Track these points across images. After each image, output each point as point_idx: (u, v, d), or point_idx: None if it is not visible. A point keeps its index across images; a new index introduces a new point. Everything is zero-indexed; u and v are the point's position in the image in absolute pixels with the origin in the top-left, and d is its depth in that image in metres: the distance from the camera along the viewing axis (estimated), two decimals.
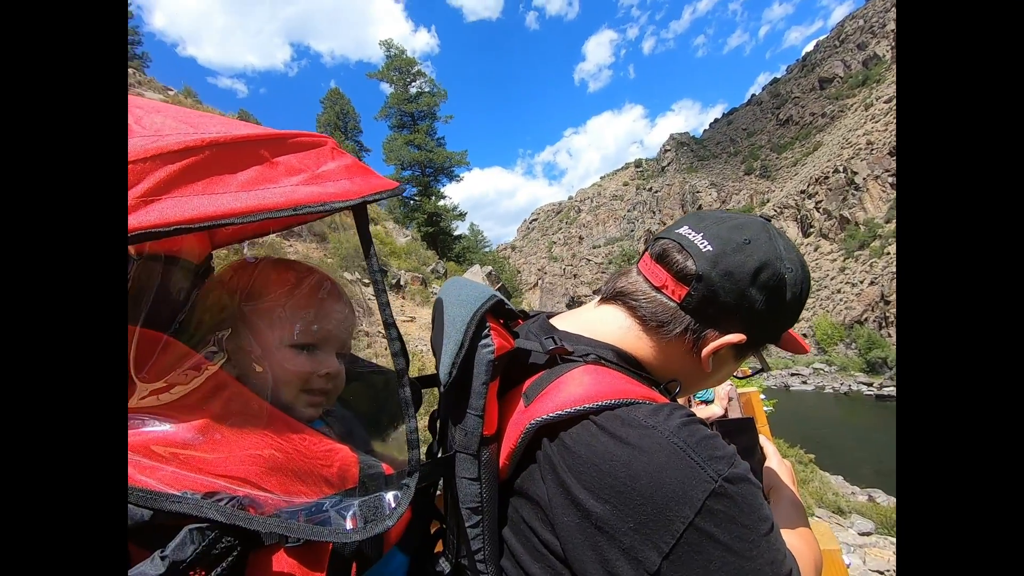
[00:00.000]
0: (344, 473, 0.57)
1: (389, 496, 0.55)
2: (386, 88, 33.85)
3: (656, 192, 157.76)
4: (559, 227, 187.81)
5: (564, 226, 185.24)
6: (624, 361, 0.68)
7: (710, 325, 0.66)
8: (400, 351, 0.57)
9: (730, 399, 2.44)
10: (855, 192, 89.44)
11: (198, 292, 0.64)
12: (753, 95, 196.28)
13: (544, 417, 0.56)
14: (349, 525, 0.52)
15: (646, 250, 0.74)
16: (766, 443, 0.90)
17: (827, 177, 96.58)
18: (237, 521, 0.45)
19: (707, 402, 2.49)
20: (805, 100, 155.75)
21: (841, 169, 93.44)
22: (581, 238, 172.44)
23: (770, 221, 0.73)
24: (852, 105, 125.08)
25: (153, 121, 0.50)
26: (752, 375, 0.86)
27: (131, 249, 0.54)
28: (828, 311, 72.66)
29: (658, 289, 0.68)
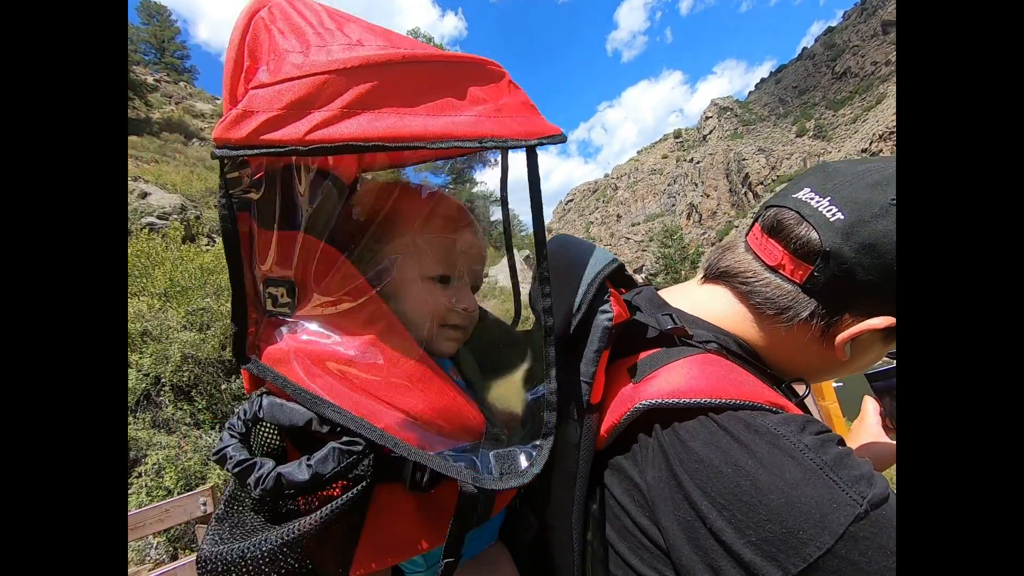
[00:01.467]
0: (474, 425, 0.56)
1: (522, 455, 0.53)
2: None
3: (698, 163, 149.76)
4: (596, 206, 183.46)
5: (601, 205, 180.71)
6: (746, 354, 0.60)
7: (845, 308, 0.56)
8: (549, 309, 0.52)
9: None
10: None
11: (343, 213, 0.61)
12: (804, 48, 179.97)
13: (658, 401, 0.52)
14: (495, 474, 0.51)
15: (756, 220, 0.63)
16: None
17: (893, 132, 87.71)
18: (386, 443, 0.47)
19: None
20: (866, 48, 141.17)
21: None
22: (619, 216, 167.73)
23: None
24: None
25: (352, 31, 0.49)
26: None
27: (312, 161, 0.54)
28: None
29: (773, 269, 0.58)
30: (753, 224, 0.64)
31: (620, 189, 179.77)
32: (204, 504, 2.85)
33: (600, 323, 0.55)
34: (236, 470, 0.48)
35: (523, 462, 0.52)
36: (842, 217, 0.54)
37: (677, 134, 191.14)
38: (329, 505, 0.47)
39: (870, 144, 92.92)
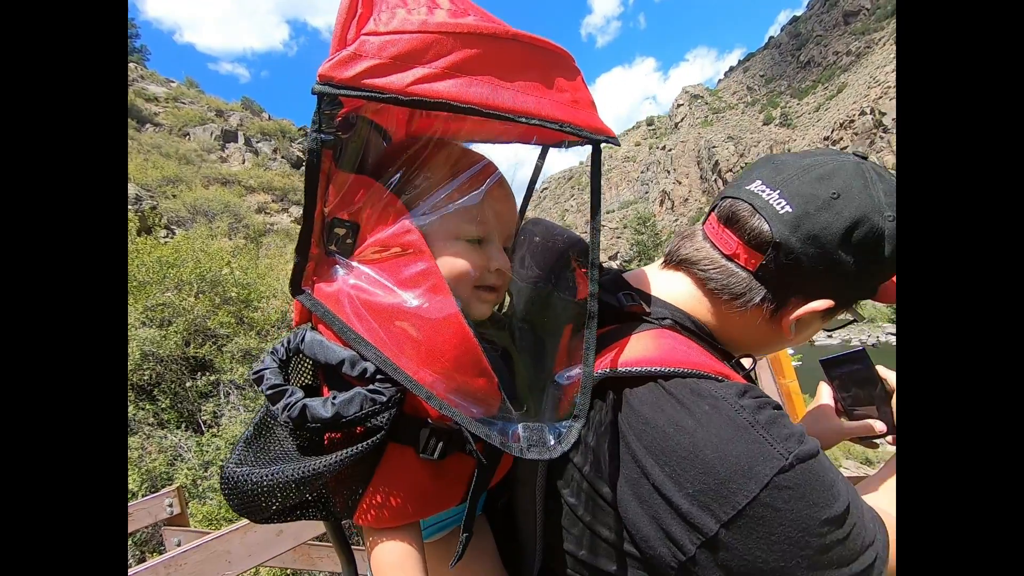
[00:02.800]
0: (496, 399, 0.56)
1: (549, 433, 0.53)
2: None
3: (670, 151, 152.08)
4: (571, 194, 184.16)
5: (577, 192, 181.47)
6: (699, 330, 0.65)
7: (791, 293, 0.61)
8: (595, 294, 0.53)
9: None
10: (883, 134, 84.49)
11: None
12: (771, 38, 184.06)
13: (612, 370, 0.56)
14: (524, 444, 0.51)
15: (712, 210, 0.67)
16: (889, 375, 0.82)
17: (852, 121, 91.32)
18: (419, 393, 0.49)
19: None
20: (828, 38, 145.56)
21: (868, 111, 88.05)
22: None
23: (867, 159, 0.64)
24: (880, 39, 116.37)
25: (458, 1, 0.51)
26: (838, 329, 0.77)
27: (402, 113, 0.57)
28: None
29: (728, 257, 0.62)
30: (709, 213, 0.68)
31: None
32: (170, 506, 2.75)
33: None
34: (269, 392, 0.51)
35: (550, 439, 0.52)
36: (790, 210, 0.58)
37: (650, 121, 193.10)
38: (346, 450, 0.49)
39: (831, 132, 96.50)
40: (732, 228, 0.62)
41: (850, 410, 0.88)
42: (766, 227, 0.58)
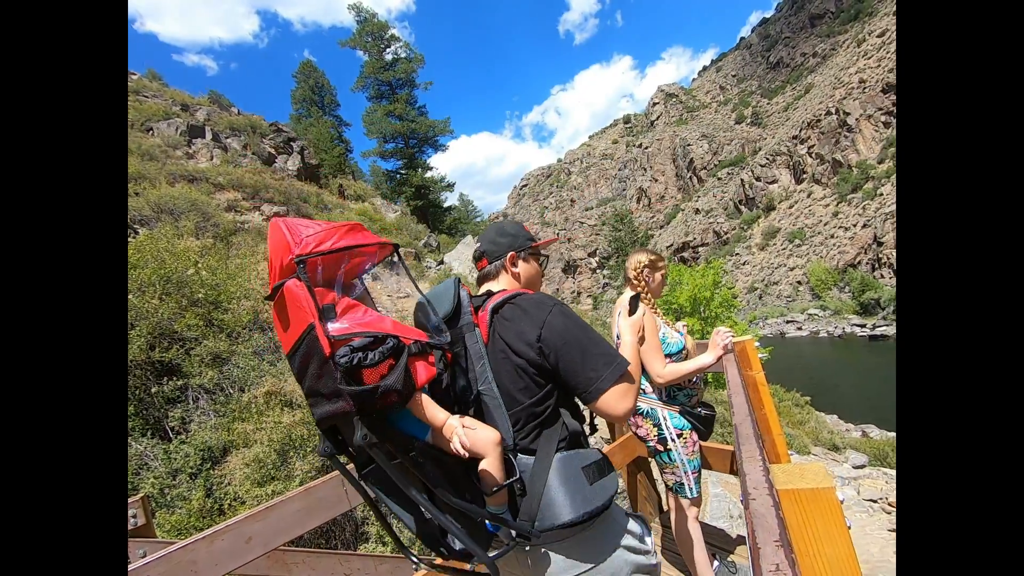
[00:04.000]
0: (425, 335, 1.15)
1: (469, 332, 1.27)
2: (361, 56, 32.34)
3: (646, 148, 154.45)
4: (550, 191, 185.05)
5: (555, 190, 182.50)
6: (519, 285, 1.47)
7: (506, 255, 1.47)
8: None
9: (726, 350, 2.40)
10: (847, 134, 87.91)
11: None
12: (742, 38, 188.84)
13: (496, 301, 1.29)
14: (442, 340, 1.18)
15: (483, 255, 1.51)
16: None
17: (819, 120, 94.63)
18: (407, 337, 1.08)
19: (675, 354, 2.35)
20: (796, 40, 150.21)
21: (833, 111, 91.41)
22: (573, 201, 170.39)
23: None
24: (844, 42, 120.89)
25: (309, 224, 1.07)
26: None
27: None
28: (822, 257, 73.09)
29: (504, 266, 1.50)
30: (482, 257, 1.50)
31: (573, 174, 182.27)
32: (134, 517, 2.63)
33: (464, 299, 1.28)
34: (358, 344, 0.95)
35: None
36: (479, 244, 1.53)
37: (626, 119, 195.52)
38: (399, 364, 0.99)
39: (799, 131, 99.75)
40: (488, 258, 1.49)
41: None
42: (484, 248, 1.51)
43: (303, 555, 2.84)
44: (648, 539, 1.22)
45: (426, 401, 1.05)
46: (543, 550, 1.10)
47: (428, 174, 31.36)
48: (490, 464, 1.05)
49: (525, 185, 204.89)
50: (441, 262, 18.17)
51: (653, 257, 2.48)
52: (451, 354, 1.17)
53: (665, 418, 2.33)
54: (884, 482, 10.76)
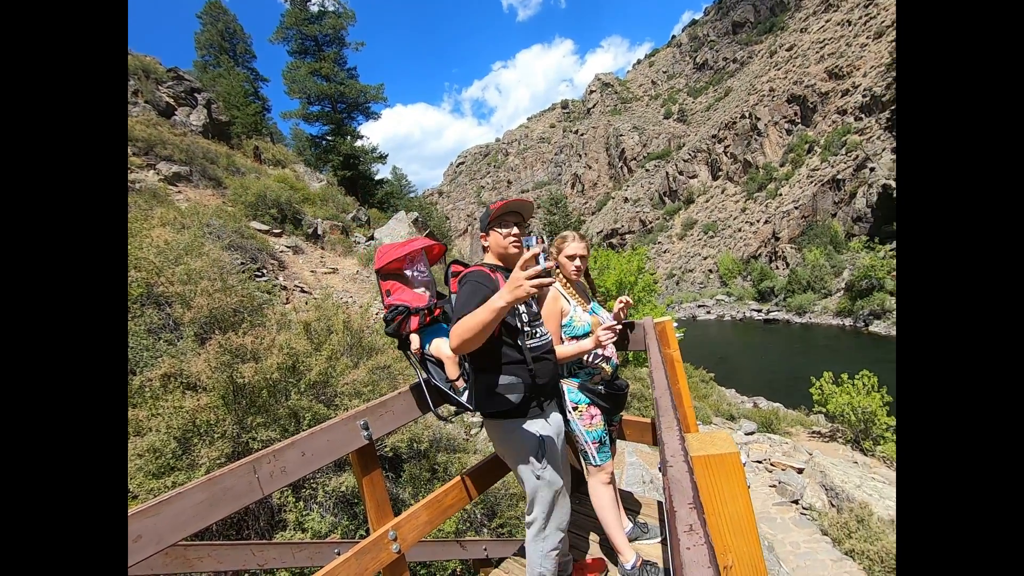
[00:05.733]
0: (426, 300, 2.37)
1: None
2: (282, 2, 29.02)
3: (582, 135, 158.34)
4: (487, 171, 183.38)
5: (492, 170, 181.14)
6: (498, 266, 2.21)
7: (486, 230, 2.23)
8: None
9: (598, 342, 2.38)
10: (757, 137, 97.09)
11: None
12: (673, 37, 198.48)
13: (460, 276, 2.13)
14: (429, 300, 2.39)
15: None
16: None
17: (735, 122, 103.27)
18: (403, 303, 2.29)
19: (579, 336, 2.50)
20: (720, 44, 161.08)
21: (747, 115, 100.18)
22: (510, 182, 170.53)
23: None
24: (759, 52, 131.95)
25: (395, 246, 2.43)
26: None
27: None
28: (730, 248, 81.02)
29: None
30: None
31: (511, 155, 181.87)
32: None
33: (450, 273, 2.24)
34: (396, 310, 2.25)
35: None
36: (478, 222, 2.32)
37: (564, 105, 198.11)
38: (404, 318, 2.24)
39: (718, 131, 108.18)
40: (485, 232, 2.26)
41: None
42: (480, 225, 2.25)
43: (208, 549, 2.61)
44: (543, 460, 2.09)
45: (436, 340, 2.26)
46: (482, 423, 2.20)
47: (358, 143, 29.31)
48: (448, 367, 2.18)
49: (462, 163, 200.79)
50: (371, 237, 17.26)
51: (559, 238, 2.73)
52: (439, 310, 2.29)
53: (563, 392, 2.54)
54: (768, 446, 12.44)
